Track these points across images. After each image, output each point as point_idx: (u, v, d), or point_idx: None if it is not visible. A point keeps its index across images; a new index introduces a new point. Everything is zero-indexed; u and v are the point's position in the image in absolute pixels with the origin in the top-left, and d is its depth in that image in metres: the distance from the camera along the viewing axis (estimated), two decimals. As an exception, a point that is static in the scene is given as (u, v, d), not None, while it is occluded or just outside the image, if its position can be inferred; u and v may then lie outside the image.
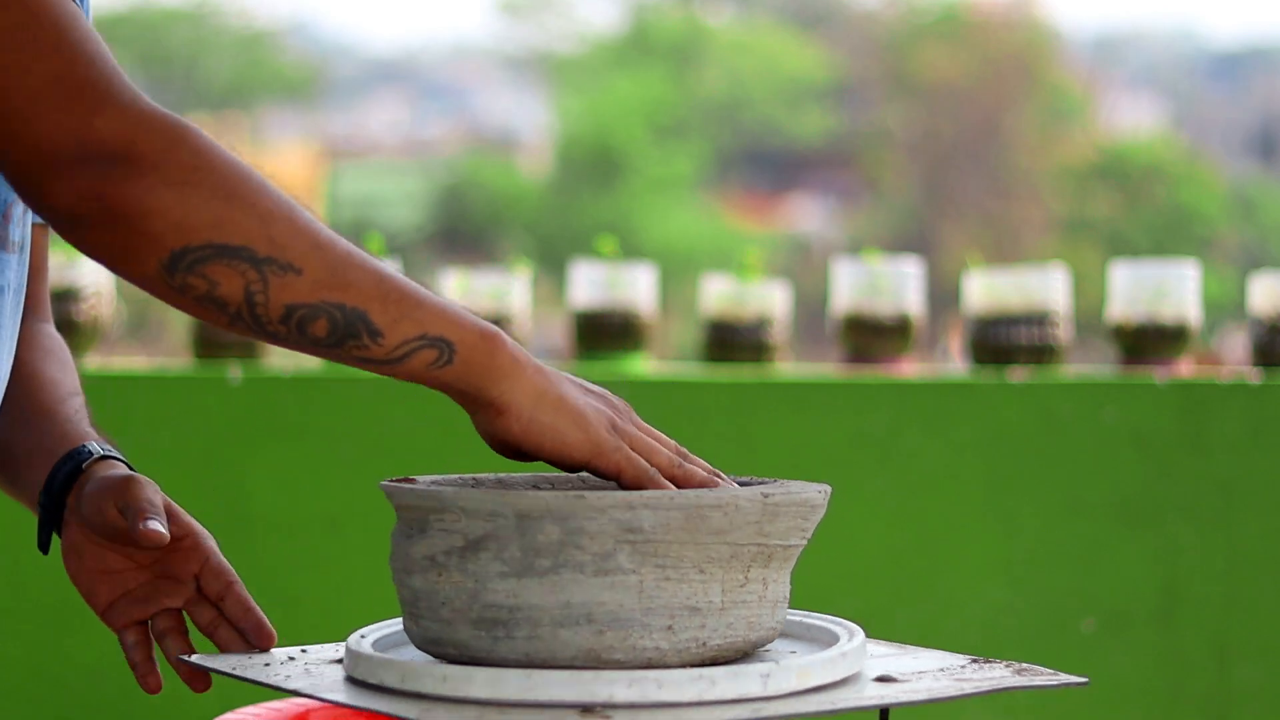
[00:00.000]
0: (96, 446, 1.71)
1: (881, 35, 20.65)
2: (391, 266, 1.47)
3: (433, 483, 1.53)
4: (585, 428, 1.47)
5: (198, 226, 1.39)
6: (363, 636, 1.57)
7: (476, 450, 1.56)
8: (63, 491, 1.69)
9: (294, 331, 1.43)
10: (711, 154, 19.96)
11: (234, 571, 1.69)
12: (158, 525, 1.61)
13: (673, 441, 1.55)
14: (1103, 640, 3.25)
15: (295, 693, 1.52)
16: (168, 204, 1.38)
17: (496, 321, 3.40)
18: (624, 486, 1.50)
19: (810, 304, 4.75)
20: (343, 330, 1.43)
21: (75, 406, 1.77)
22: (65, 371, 1.80)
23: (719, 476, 1.53)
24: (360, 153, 21.47)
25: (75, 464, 1.70)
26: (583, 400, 1.49)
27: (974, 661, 1.56)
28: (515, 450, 1.50)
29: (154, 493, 1.65)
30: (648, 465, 1.49)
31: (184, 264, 1.39)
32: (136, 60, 19.48)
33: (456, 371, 1.46)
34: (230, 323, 1.43)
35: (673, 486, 1.49)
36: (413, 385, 1.50)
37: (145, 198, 1.38)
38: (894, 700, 1.43)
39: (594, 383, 1.55)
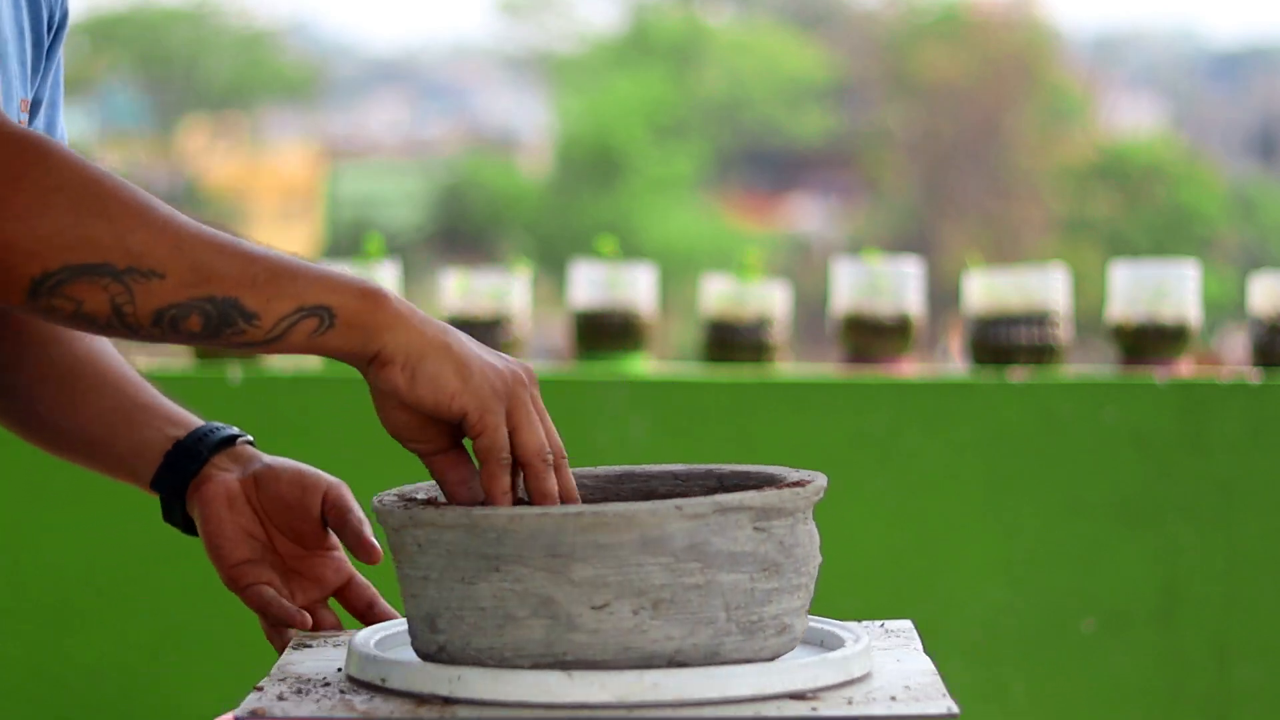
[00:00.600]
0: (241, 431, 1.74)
1: (881, 35, 20.64)
2: (254, 243, 1.45)
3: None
4: (467, 377, 1.44)
5: (53, 251, 1.38)
6: (368, 636, 1.57)
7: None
8: (213, 451, 1.70)
9: (168, 331, 1.42)
10: (711, 154, 19.95)
11: (374, 587, 1.74)
12: (378, 544, 1.66)
13: (558, 439, 1.50)
14: (1103, 640, 3.25)
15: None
16: (19, 234, 1.38)
17: (496, 322, 3.41)
18: (458, 458, 1.48)
19: (810, 304, 4.75)
20: (217, 321, 1.42)
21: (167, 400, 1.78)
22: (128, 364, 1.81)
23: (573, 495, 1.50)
24: (360, 153, 21.47)
25: (228, 434, 1.72)
26: (472, 353, 1.46)
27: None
28: (405, 414, 1.46)
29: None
30: (504, 449, 1.45)
31: (45, 288, 1.39)
32: (137, 60, 19.46)
33: (340, 334, 1.44)
34: (102, 332, 1.43)
35: (504, 488, 1.45)
36: None
37: None
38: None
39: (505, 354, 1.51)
